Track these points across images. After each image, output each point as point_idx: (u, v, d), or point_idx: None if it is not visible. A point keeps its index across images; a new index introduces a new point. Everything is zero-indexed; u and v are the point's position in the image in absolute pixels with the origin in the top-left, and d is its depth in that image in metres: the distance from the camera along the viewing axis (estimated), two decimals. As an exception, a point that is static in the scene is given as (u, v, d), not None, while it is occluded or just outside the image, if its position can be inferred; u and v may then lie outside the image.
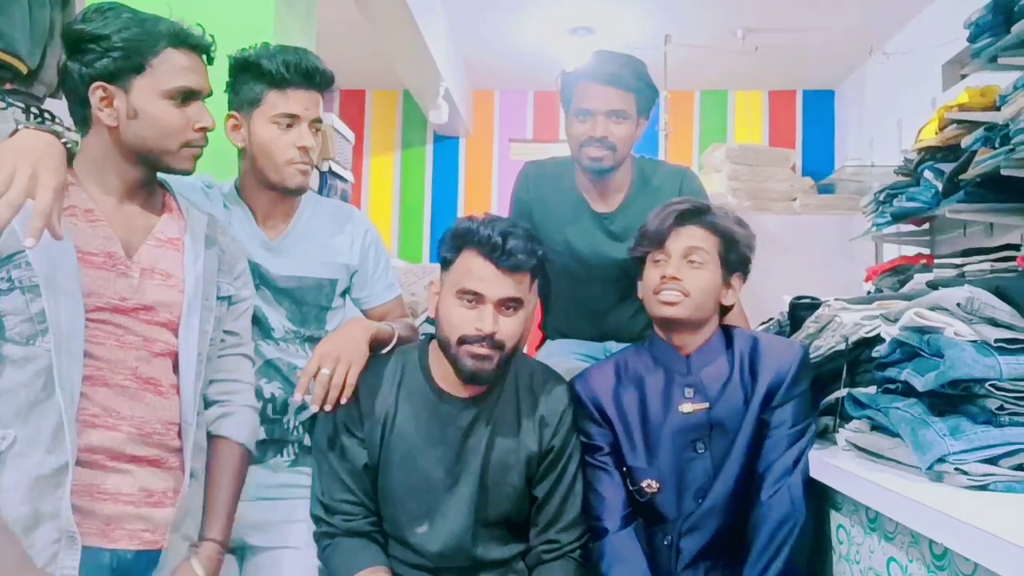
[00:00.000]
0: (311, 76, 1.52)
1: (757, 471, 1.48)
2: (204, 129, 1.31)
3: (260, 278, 1.55)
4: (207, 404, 1.38)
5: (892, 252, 3.96)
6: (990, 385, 1.20)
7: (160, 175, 1.35)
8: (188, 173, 1.33)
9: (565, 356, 1.94)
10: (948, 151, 2.72)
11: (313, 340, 1.59)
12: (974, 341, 1.23)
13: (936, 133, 2.77)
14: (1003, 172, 2.25)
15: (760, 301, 2.09)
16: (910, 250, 3.57)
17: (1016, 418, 1.20)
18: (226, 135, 1.55)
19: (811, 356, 1.61)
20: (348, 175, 3.14)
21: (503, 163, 6.06)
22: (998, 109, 2.32)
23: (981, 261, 2.61)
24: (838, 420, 1.54)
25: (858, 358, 1.57)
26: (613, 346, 1.93)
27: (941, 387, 1.24)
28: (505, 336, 1.45)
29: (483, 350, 1.44)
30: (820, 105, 5.89)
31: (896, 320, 1.40)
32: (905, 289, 2.88)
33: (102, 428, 1.21)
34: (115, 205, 1.29)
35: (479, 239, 1.44)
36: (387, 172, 6.12)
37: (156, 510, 1.26)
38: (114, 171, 1.29)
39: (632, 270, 1.63)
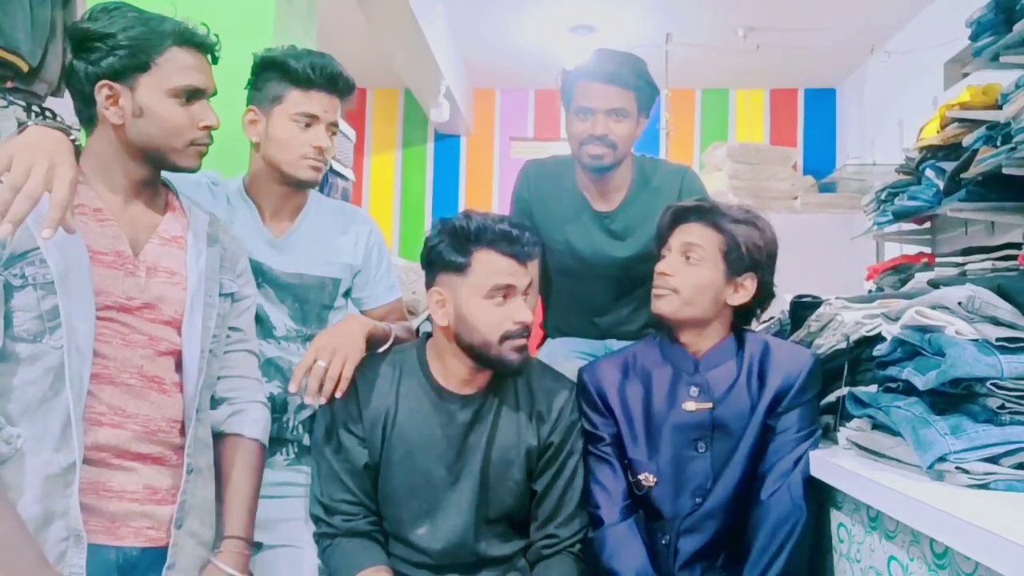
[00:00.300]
0: (334, 80, 1.55)
1: (759, 473, 1.48)
2: (209, 127, 1.31)
3: (263, 276, 1.55)
4: (216, 402, 1.39)
5: (893, 251, 3.96)
6: (991, 384, 1.20)
7: (164, 174, 1.36)
8: (193, 171, 1.34)
9: (566, 354, 1.94)
10: (949, 150, 2.71)
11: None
12: (975, 340, 1.23)
13: (937, 132, 2.76)
14: (1004, 171, 2.25)
15: (761, 300, 2.08)
16: (911, 249, 3.57)
17: (1017, 417, 1.20)
18: (242, 129, 1.58)
19: (812, 355, 1.61)
20: (349, 173, 3.14)
21: (504, 161, 6.06)
22: (1000, 108, 2.32)
23: (982, 260, 2.61)
24: (839, 419, 1.54)
25: (859, 357, 1.57)
26: (614, 344, 1.93)
27: (942, 386, 1.24)
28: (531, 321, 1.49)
29: (523, 340, 1.46)
30: (821, 104, 5.89)
31: (897, 319, 1.39)
32: (906, 288, 2.88)
33: (108, 426, 1.22)
34: (121, 204, 1.30)
35: (494, 236, 1.44)
36: (388, 170, 6.12)
37: (160, 507, 1.26)
38: (120, 169, 1.29)
39: (633, 269, 1.63)
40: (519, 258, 1.46)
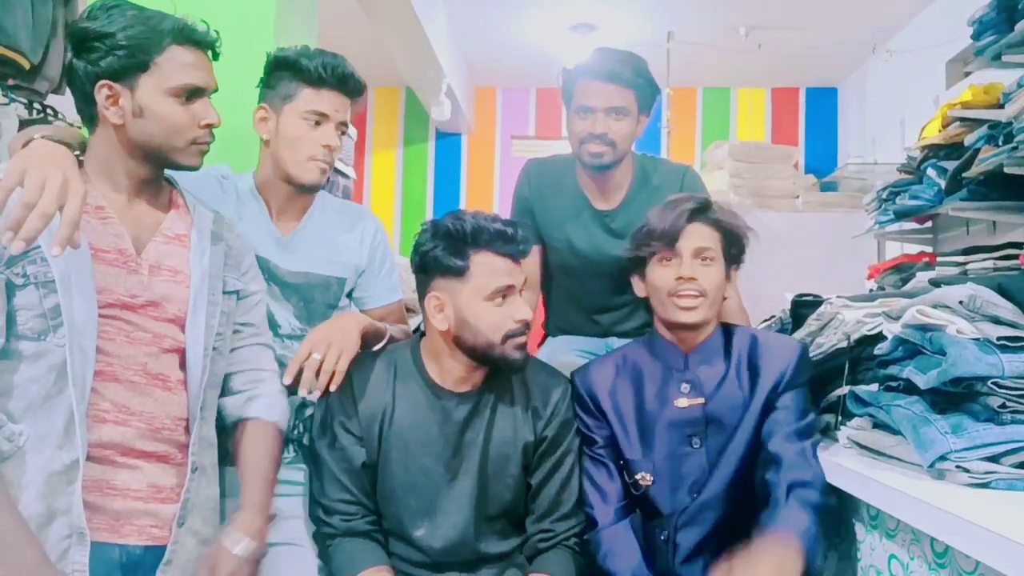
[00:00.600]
0: (345, 81, 1.56)
1: (761, 440, 1.47)
2: (210, 125, 1.31)
3: (269, 274, 1.56)
4: (232, 394, 1.39)
5: (894, 250, 3.95)
6: (992, 383, 1.20)
7: (168, 171, 1.36)
8: (195, 169, 1.34)
9: (567, 353, 1.95)
10: (951, 149, 2.71)
11: None
12: (976, 339, 1.23)
13: (939, 131, 2.76)
14: (1006, 170, 2.25)
15: (762, 299, 2.08)
16: (912, 248, 3.57)
17: (1018, 416, 1.20)
18: (253, 126, 1.58)
19: (813, 354, 1.61)
20: (351, 171, 3.14)
21: (505, 160, 6.06)
22: (1001, 107, 2.32)
23: (984, 259, 2.60)
24: (840, 418, 1.54)
25: (860, 356, 1.57)
26: (615, 342, 1.93)
27: (943, 385, 1.24)
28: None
29: (525, 338, 1.48)
30: (823, 102, 5.88)
31: (898, 318, 1.39)
32: (907, 287, 2.88)
33: (112, 424, 1.22)
34: (124, 202, 1.30)
35: (490, 237, 1.44)
36: (389, 169, 6.12)
37: (164, 506, 1.26)
38: (122, 168, 1.29)
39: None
40: (515, 257, 1.47)
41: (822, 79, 5.74)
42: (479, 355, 1.47)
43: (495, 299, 1.45)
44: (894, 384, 1.40)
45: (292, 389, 1.50)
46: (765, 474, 1.43)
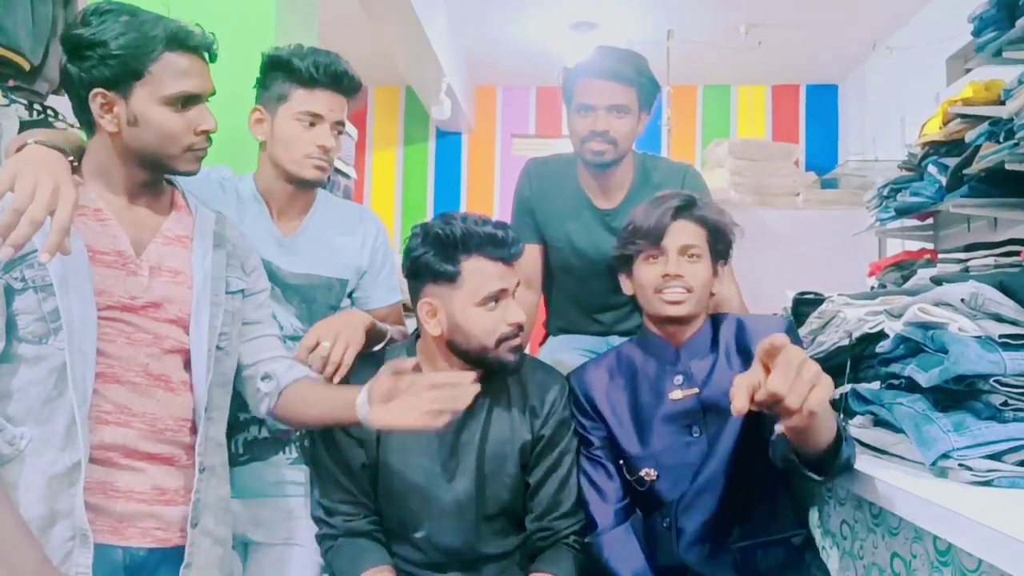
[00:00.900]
0: (339, 79, 1.55)
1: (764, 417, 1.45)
2: (206, 132, 1.30)
3: (270, 275, 1.55)
4: (260, 379, 1.40)
5: (896, 247, 3.95)
6: (994, 381, 1.20)
7: None
8: (192, 174, 1.33)
9: (568, 351, 1.94)
10: (952, 146, 2.70)
11: None
12: (978, 337, 1.23)
13: (940, 127, 2.75)
14: (1007, 166, 2.24)
15: (763, 296, 2.08)
16: (914, 245, 3.56)
17: (1020, 414, 1.19)
18: (249, 128, 1.57)
19: (814, 352, 1.61)
20: (351, 171, 3.14)
21: (505, 159, 6.06)
22: (1002, 103, 2.31)
23: (985, 256, 2.59)
24: (842, 416, 1.54)
25: (862, 354, 1.57)
26: (616, 341, 1.93)
27: (945, 383, 1.24)
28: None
29: (518, 340, 1.48)
30: (823, 100, 5.88)
31: (900, 316, 1.39)
32: (909, 284, 2.87)
33: (115, 425, 1.22)
34: (123, 204, 1.29)
35: (481, 241, 1.43)
36: (389, 168, 6.12)
37: (168, 508, 1.26)
38: (119, 173, 1.29)
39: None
40: (506, 260, 1.46)
41: (822, 76, 5.73)
42: (473, 359, 1.47)
43: (487, 304, 1.44)
44: (896, 382, 1.40)
45: None
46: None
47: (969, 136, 2.49)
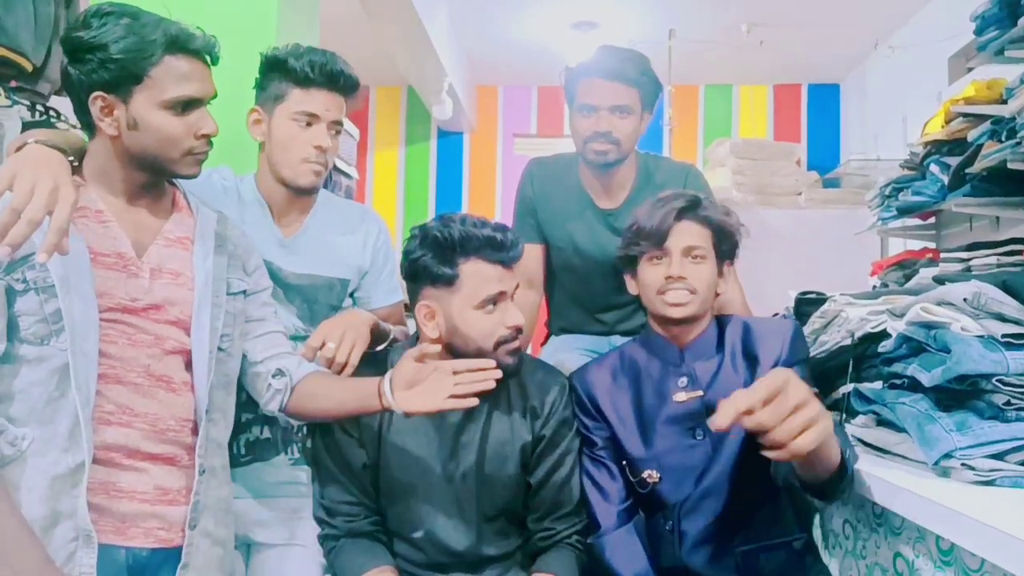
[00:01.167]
0: (335, 78, 1.54)
1: None
2: (207, 136, 1.29)
3: (272, 276, 1.55)
4: (276, 376, 1.41)
5: (898, 246, 3.94)
6: (997, 380, 1.20)
7: None
8: (193, 178, 1.33)
9: (570, 351, 1.94)
10: (954, 145, 2.70)
11: None
12: (981, 336, 1.23)
13: (942, 126, 2.75)
14: (1010, 166, 2.24)
15: (765, 296, 2.08)
16: (916, 244, 3.55)
17: (1023, 413, 1.19)
18: (247, 129, 1.57)
19: (816, 352, 1.60)
20: (352, 171, 3.14)
21: (507, 158, 6.06)
22: (1005, 102, 2.31)
23: (987, 255, 2.59)
24: (844, 415, 1.54)
25: (864, 353, 1.57)
26: (618, 340, 1.93)
27: (948, 382, 1.24)
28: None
29: (517, 343, 1.48)
30: (825, 99, 5.87)
31: (902, 315, 1.39)
32: (911, 284, 2.87)
33: (117, 426, 1.22)
34: (124, 206, 1.29)
35: (479, 244, 1.43)
36: (391, 168, 6.12)
37: (170, 508, 1.26)
38: (120, 175, 1.29)
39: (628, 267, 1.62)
40: (505, 263, 1.45)
41: (824, 75, 5.72)
42: None
43: (486, 307, 1.44)
44: (898, 382, 1.40)
45: None
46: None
47: (971, 135, 2.48)
